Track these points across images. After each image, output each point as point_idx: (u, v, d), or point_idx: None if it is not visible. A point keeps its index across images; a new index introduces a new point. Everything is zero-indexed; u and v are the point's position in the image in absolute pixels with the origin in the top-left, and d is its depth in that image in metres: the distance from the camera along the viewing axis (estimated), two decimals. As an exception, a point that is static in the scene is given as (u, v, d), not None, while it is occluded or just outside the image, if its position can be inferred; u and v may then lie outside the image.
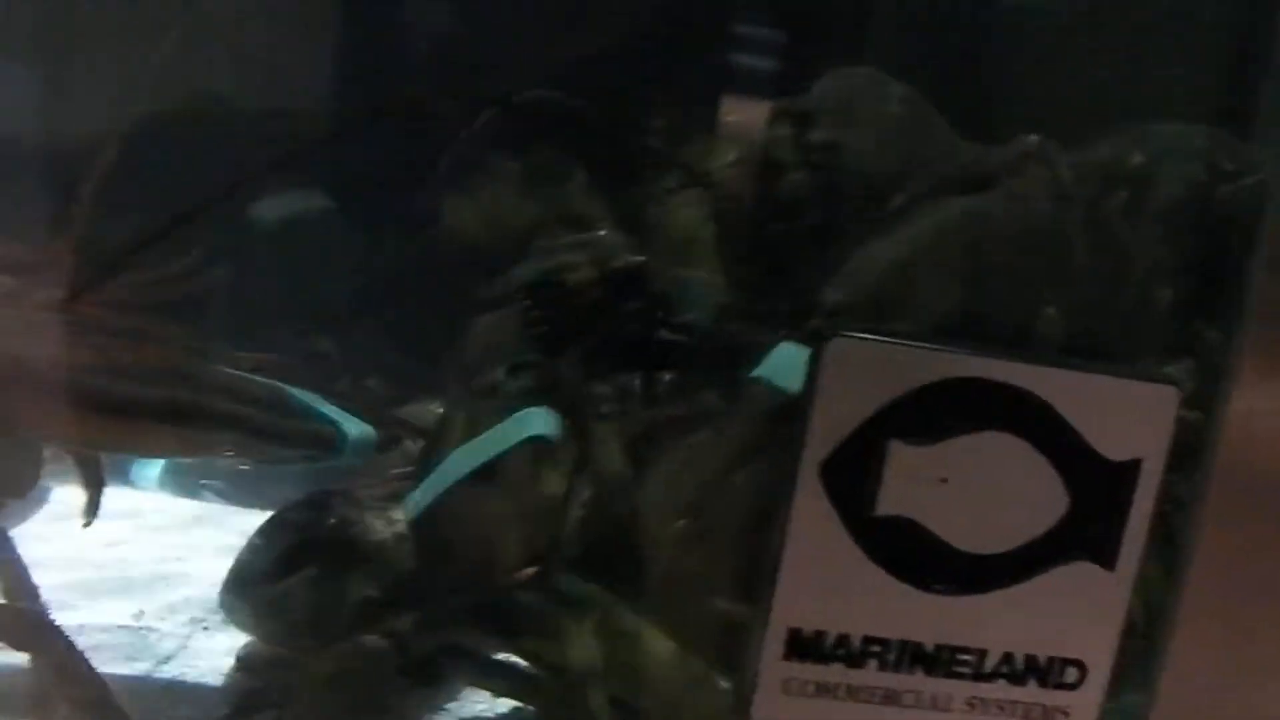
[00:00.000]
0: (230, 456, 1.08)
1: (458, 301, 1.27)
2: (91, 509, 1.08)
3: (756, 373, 0.98)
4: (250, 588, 1.14)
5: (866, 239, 0.95)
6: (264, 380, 1.05)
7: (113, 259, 1.04)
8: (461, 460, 1.04)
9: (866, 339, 0.87)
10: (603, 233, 1.13)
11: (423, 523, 1.04)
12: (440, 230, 1.31)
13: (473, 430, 1.06)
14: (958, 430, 0.88)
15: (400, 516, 1.08)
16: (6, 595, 1.10)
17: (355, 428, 1.07)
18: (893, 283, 0.94)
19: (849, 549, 0.89)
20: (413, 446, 1.23)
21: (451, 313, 1.27)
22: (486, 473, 1.03)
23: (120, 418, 0.99)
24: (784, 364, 0.95)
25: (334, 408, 1.07)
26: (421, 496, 1.04)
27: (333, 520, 1.11)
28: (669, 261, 1.11)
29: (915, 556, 0.89)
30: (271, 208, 1.51)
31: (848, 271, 0.96)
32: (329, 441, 1.05)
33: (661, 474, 1.03)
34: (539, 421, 1.04)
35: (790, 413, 0.88)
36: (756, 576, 0.91)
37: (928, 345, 0.88)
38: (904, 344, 0.88)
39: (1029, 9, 1.41)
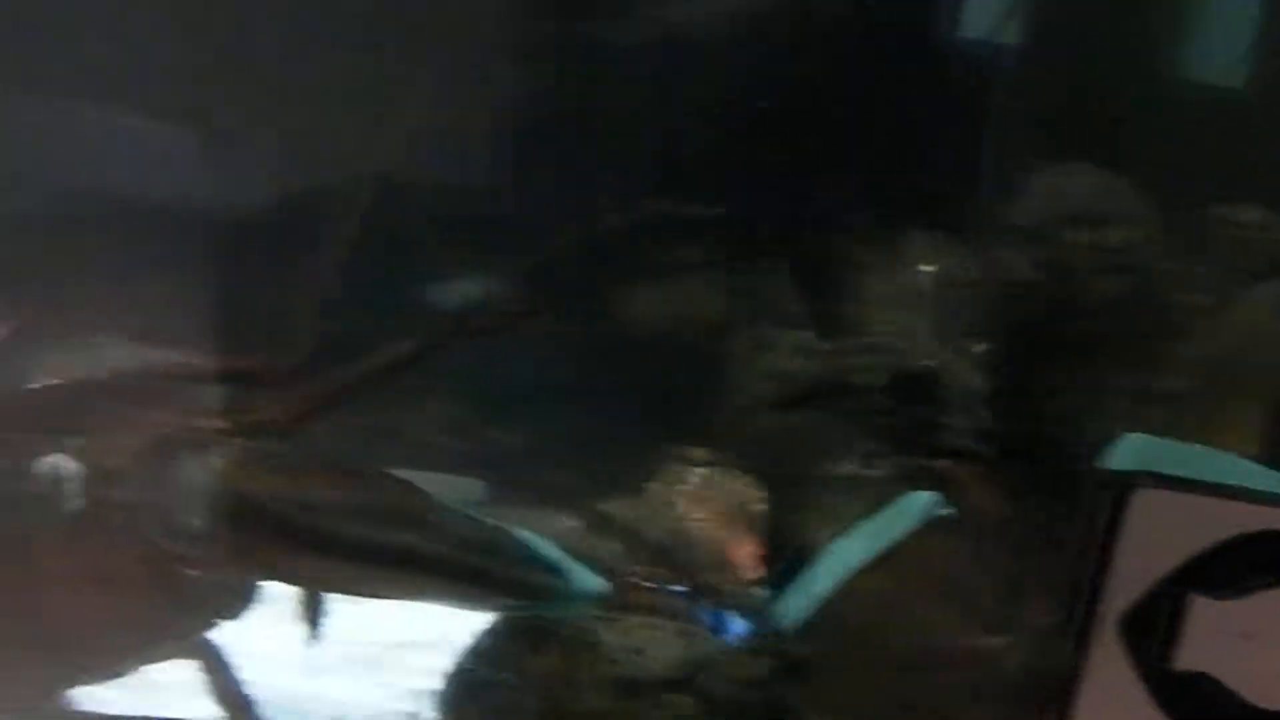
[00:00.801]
0: (452, 605, 1.04)
1: (645, 392, 1.24)
2: (312, 636, 1.05)
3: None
4: (478, 690, 1.11)
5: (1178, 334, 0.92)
6: (489, 522, 1.01)
7: (352, 380, 1.00)
8: (853, 548, 1.02)
9: (1173, 491, 0.84)
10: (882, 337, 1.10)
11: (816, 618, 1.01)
12: (627, 321, 1.28)
13: (834, 519, 1.04)
14: (1263, 584, 0.85)
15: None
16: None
17: (581, 578, 1.03)
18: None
19: (1145, 705, 0.86)
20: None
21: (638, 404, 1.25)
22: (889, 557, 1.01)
23: (353, 563, 0.95)
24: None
25: (557, 551, 1.02)
26: (807, 593, 1.02)
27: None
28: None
29: (1214, 714, 0.86)
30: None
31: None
32: (553, 595, 1.01)
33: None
34: (926, 504, 1.01)
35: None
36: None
37: (1234, 496, 0.85)
38: (1210, 495, 0.84)
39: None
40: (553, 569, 1.01)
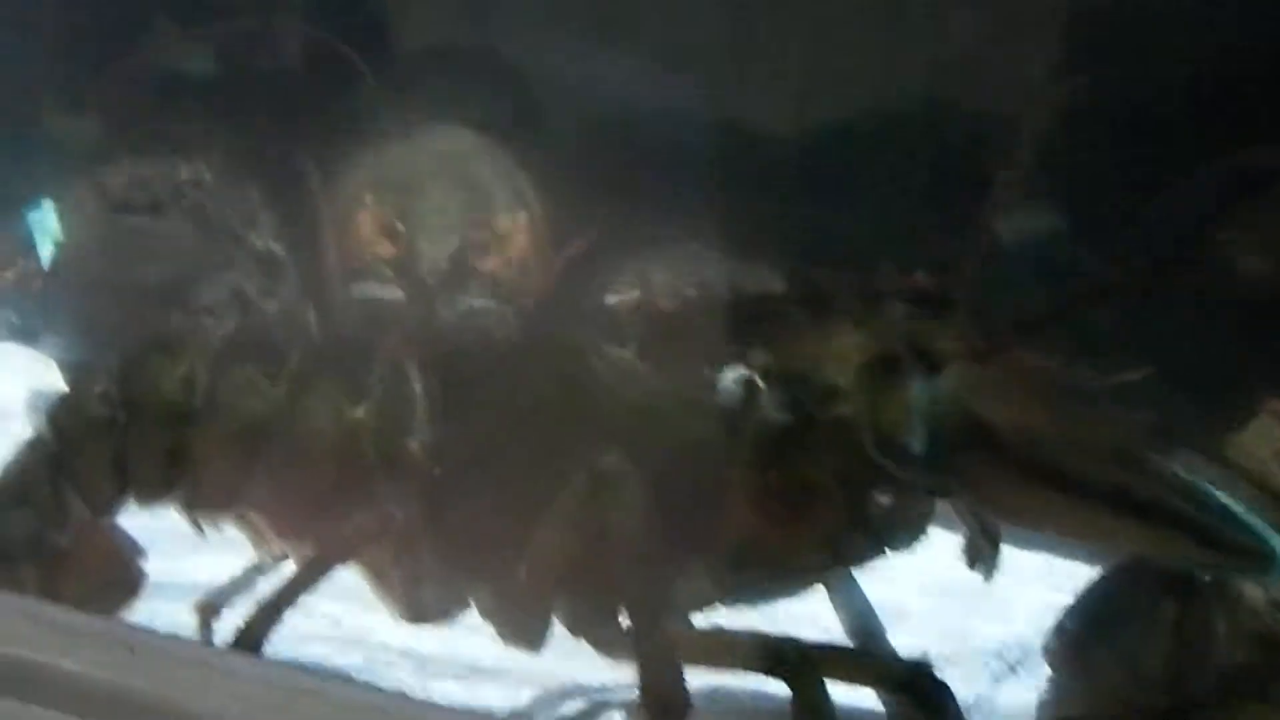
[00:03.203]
0: (1172, 562, 1.01)
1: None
2: (987, 568, 1.04)
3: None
4: (1104, 630, 1.08)
5: None
6: (1197, 480, 0.98)
7: (1064, 305, 0.98)
8: None
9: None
10: None
11: None
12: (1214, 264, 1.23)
13: None
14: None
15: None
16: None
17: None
18: None
19: None
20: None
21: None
22: None
23: (1073, 499, 0.93)
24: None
25: (1248, 514, 0.98)
26: None
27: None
28: None
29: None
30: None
31: None
32: (1261, 557, 0.96)
33: None
34: None
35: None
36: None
37: None
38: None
39: None
40: (1247, 528, 0.97)
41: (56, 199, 1.60)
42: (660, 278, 1.56)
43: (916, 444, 0.97)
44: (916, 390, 0.97)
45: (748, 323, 1.08)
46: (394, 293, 1.53)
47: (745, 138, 1.80)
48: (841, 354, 1.01)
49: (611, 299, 1.57)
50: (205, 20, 1.81)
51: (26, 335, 1.67)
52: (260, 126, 1.68)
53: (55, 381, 1.57)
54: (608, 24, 1.84)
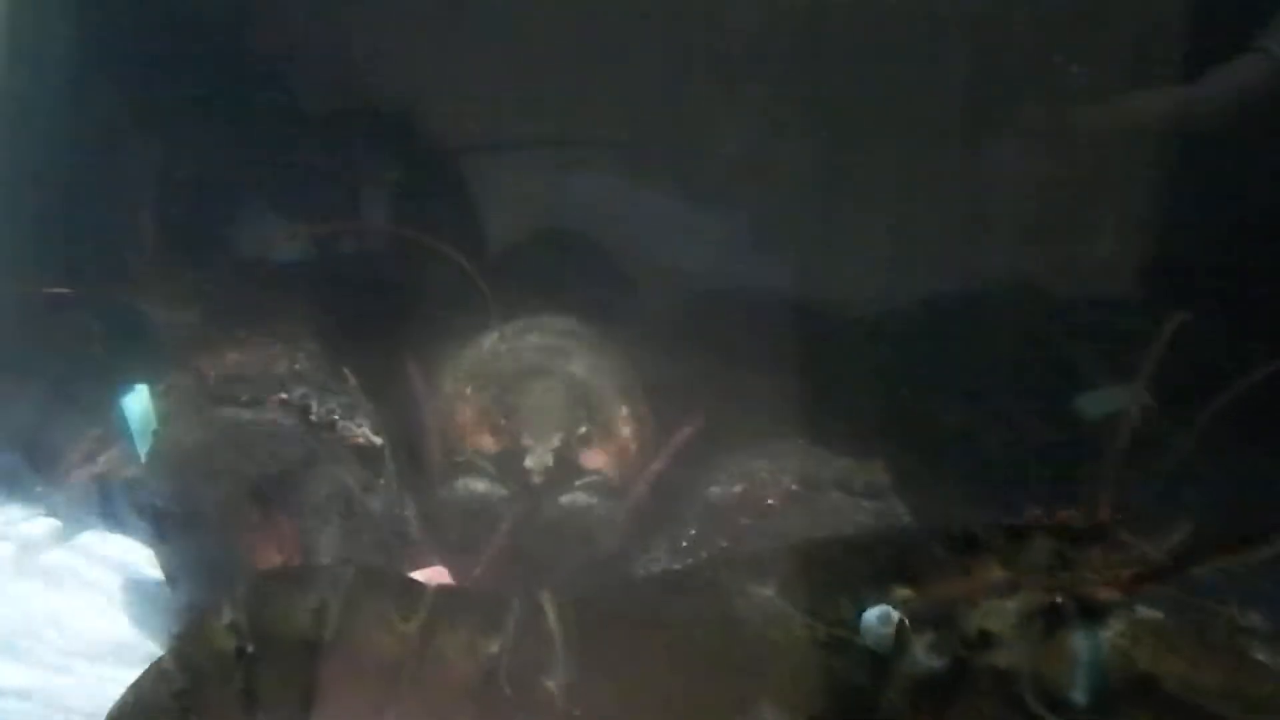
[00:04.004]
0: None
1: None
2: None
3: None
4: None
5: None
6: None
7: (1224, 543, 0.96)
8: None
9: None
10: None
11: None
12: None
13: None
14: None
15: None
16: None
17: None
18: None
19: None
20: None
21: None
22: None
23: None
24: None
25: None
26: None
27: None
28: None
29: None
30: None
31: None
32: None
33: None
34: None
35: None
36: None
37: None
38: None
39: None
40: None
41: (153, 387, 1.60)
42: (764, 472, 1.54)
43: (1080, 696, 0.95)
44: (1079, 640, 0.95)
45: (891, 560, 1.06)
46: (498, 489, 1.51)
47: (835, 321, 1.80)
48: (993, 595, 0.99)
49: (715, 492, 1.55)
50: (302, 213, 1.83)
51: (118, 523, 1.66)
52: (357, 317, 1.68)
53: (152, 580, 1.57)
54: (698, 201, 1.85)
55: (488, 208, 1.87)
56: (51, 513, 1.69)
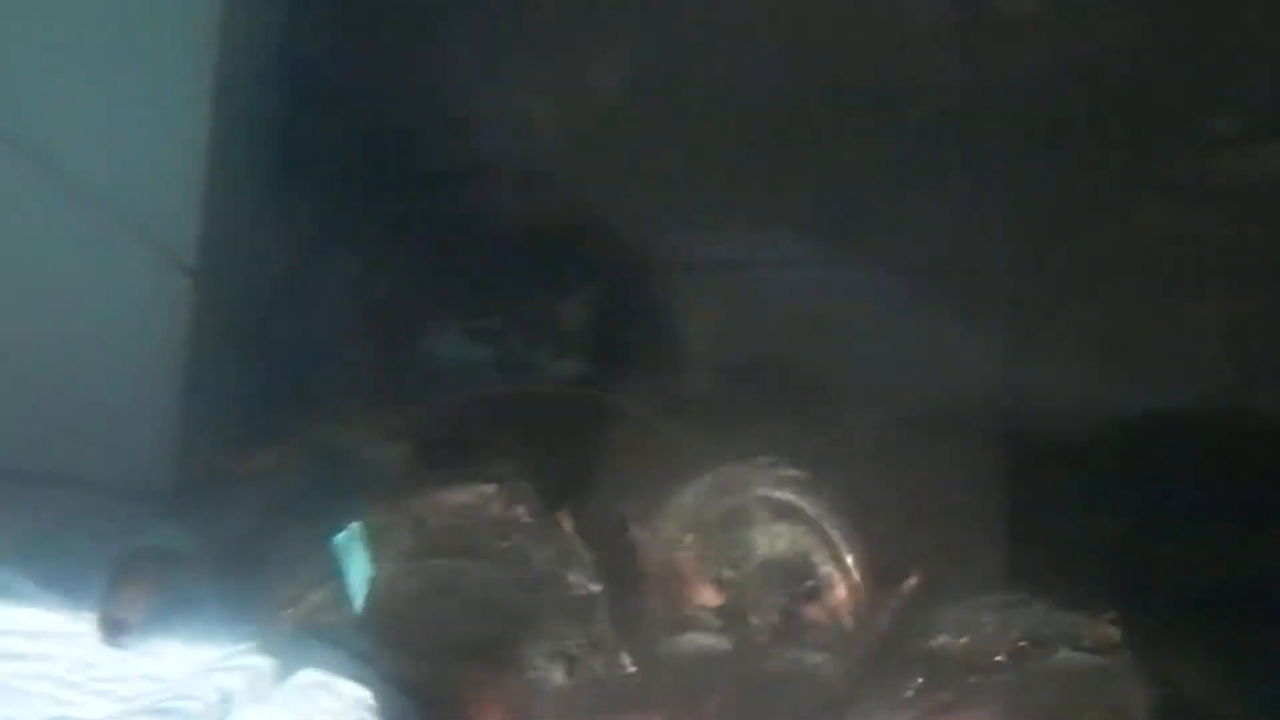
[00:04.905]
0: None
1: None
2: None
3: None
4: None
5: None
6: None
7: None
8: None
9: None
10: None
11: None
12: None
13: None
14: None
15: None
16: None
17: None
18: None
19: None
20: None
21: None
22: None
23: None
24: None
25: None
26: None
27: None
28: None
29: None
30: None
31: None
32: None
33: None
34: None
35: None
36: None
37: None
38: None
39: None
40: None
41: (366, 528, 1.59)
42: (988, 626, 1.52)
43: None
44: None
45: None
46: (723, 643, 1.50)
47: (1042, 441, 1.76)
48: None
49: (939, 644, 1.53)
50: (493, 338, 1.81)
51: (332, 665, 1.65)
52: (570, 463, 1.67)
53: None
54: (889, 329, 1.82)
55: (683, 327, 1.84)
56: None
